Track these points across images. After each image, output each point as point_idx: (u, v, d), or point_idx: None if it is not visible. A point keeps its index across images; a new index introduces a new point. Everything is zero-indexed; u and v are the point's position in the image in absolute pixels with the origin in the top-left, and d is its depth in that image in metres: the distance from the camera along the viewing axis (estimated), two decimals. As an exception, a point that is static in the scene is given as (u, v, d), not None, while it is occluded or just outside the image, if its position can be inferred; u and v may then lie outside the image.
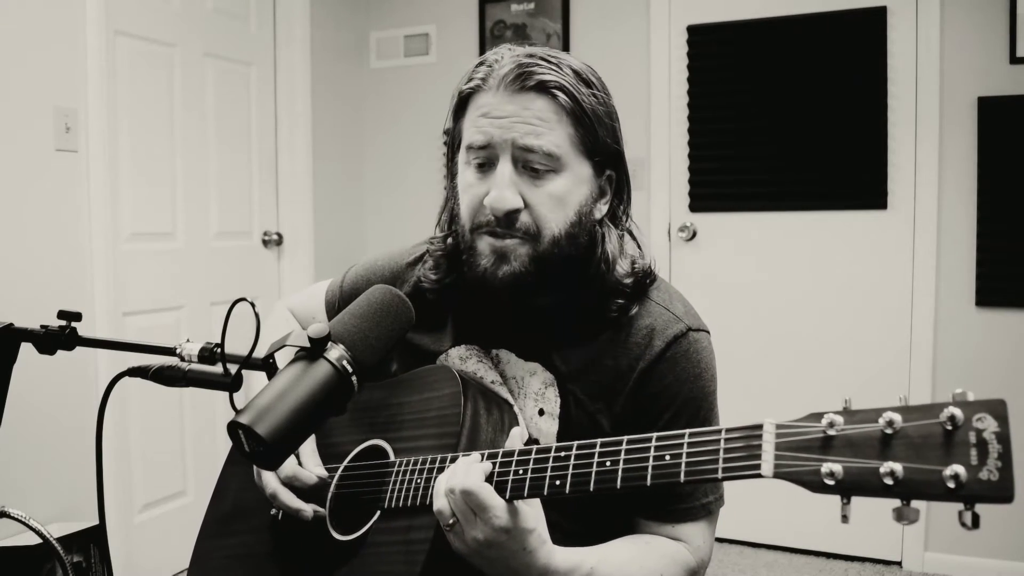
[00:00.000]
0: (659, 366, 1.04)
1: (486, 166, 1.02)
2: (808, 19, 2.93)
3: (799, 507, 2.94)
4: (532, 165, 1.00)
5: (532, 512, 0.88)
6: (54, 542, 0.95)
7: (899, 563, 2.89)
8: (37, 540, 1.80)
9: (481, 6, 3.47)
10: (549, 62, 1.01)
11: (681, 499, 1.04)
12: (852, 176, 2.92)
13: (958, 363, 2.80)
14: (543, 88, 0.99)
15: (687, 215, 3.17)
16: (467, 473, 0.86)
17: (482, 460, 0.90)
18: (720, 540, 3.08)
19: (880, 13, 2.84)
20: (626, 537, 1.04)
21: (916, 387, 2.85)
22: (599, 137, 1.03)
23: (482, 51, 3.43)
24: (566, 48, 3.31)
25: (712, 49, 3.09)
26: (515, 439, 0.91)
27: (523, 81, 0.99)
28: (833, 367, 2.97)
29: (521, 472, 0.87)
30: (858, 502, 0.68)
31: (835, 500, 0.68)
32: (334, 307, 1.28)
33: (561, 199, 1.01)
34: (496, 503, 0.85)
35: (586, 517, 1.06)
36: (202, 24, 2.93)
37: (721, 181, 3.11)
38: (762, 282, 3.07)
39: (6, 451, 2.15)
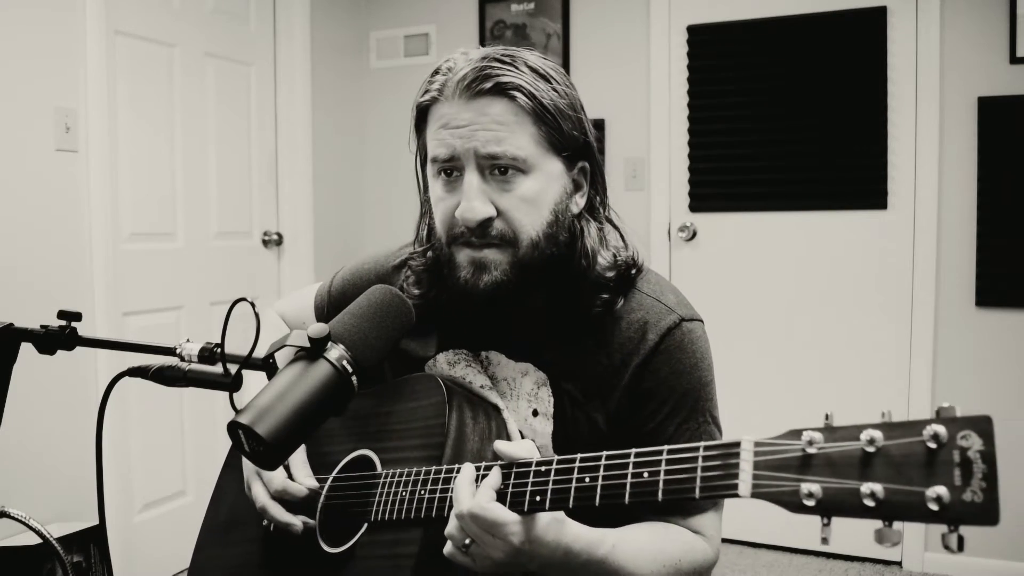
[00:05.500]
0: (654, 360, 1.02)
1: (453, 176, 1.00)
2: (808, 19, 2.93)
3: (799, 507, 2.94)
4: (499, 168, 0.97)
5: (544, 515, 0.86)
6: (54, 542, 0.95)
7: (899, 563, 2.89)
8: (37, 540, 1.80)
9: (481, 6, 3.46)
10: (504, 63, 0.98)
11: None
12: (852, 176, 2.92)
13: (958, 363, 2.80)
14: (500, 90, 0.96)
15: (687, 215, 3.17)
16: (470, 494, 0.85)
17: (476, 474, 0.88)
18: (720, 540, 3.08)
19: (880, 13, 2.84)
20: (642, 523, 1.02)
21: (916, 387, 2.85)
22: (564, 131, 1.00)
23: (482, 51, 3.43)
24: (566, 48, 3.32)
25: (712, 49, 3.09)
26: (512, 450, 0.88)
27: (479, 85, 0.96)
28: (833, 367, 2.97)
29: (500, 487, 0.86)
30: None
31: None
32: (323, 312, 1.27)
33: (533, 200, 0.99)
34: (510, 518, 0.83)
35: (592, 522, 1.06)
36: (202, 24, 2.93)
37: (721, 181, 3.10)
38: (762, 282, 3.07)
39: (6, 451, 2.15)
